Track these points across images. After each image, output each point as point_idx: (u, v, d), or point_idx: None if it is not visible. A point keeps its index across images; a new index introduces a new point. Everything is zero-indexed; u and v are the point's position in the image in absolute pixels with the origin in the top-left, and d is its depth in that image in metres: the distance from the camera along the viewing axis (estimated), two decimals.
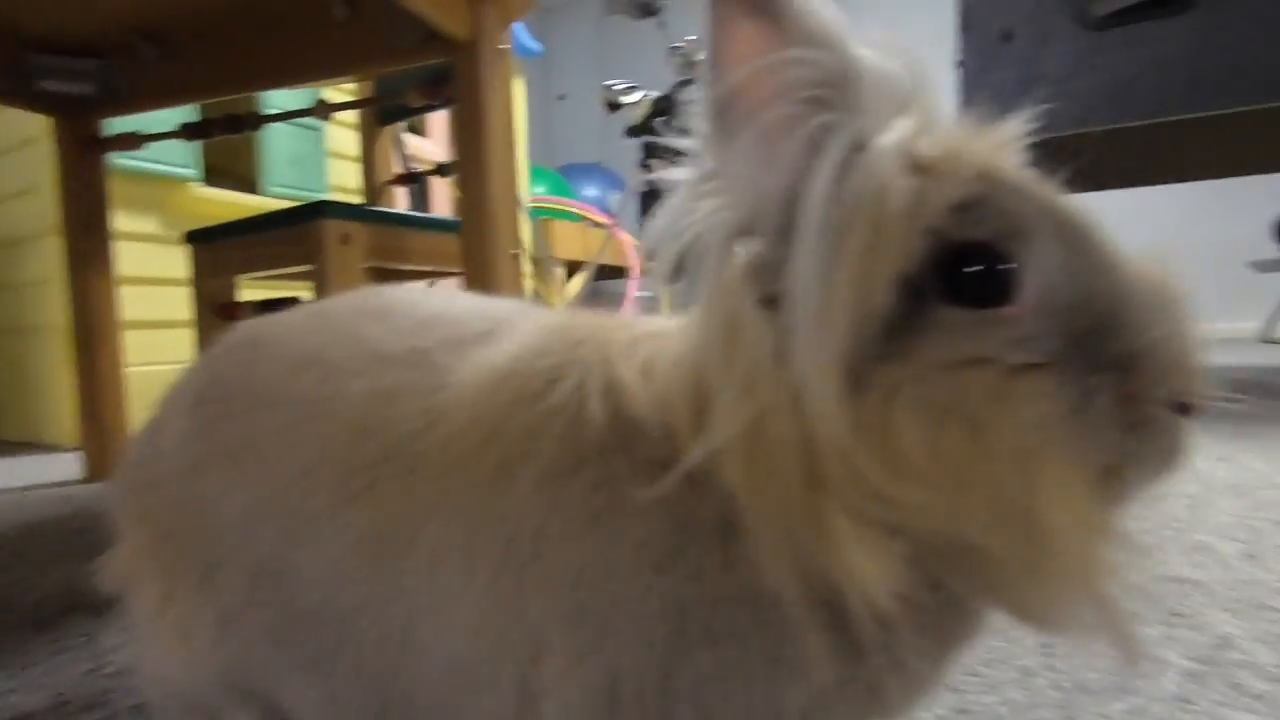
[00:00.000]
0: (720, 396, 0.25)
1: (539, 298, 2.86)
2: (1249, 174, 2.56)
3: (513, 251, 1.37)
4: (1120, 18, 1.68)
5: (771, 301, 0.25)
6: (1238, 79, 1.61)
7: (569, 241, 3.23)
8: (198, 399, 0.39)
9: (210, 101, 1.40)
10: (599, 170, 4.29)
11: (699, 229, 0.27)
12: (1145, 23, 1.66)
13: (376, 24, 1.09)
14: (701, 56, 0.26)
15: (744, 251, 0.26)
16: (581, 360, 0.30)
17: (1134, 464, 0.25)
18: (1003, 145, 0.27)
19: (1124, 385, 0.24)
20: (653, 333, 0.31)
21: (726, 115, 0.26)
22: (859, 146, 0.25)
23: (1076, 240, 0.26)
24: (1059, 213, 0.26)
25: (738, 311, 0.25)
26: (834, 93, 0.25)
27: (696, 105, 0.27)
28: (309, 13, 1.12)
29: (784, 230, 0.25)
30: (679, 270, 0.27)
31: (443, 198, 2.48)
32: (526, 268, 2.73)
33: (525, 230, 2.64)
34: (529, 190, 3.17)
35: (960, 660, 0.29)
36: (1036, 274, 0.25)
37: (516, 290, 1.32)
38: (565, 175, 3.93)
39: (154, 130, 1.39)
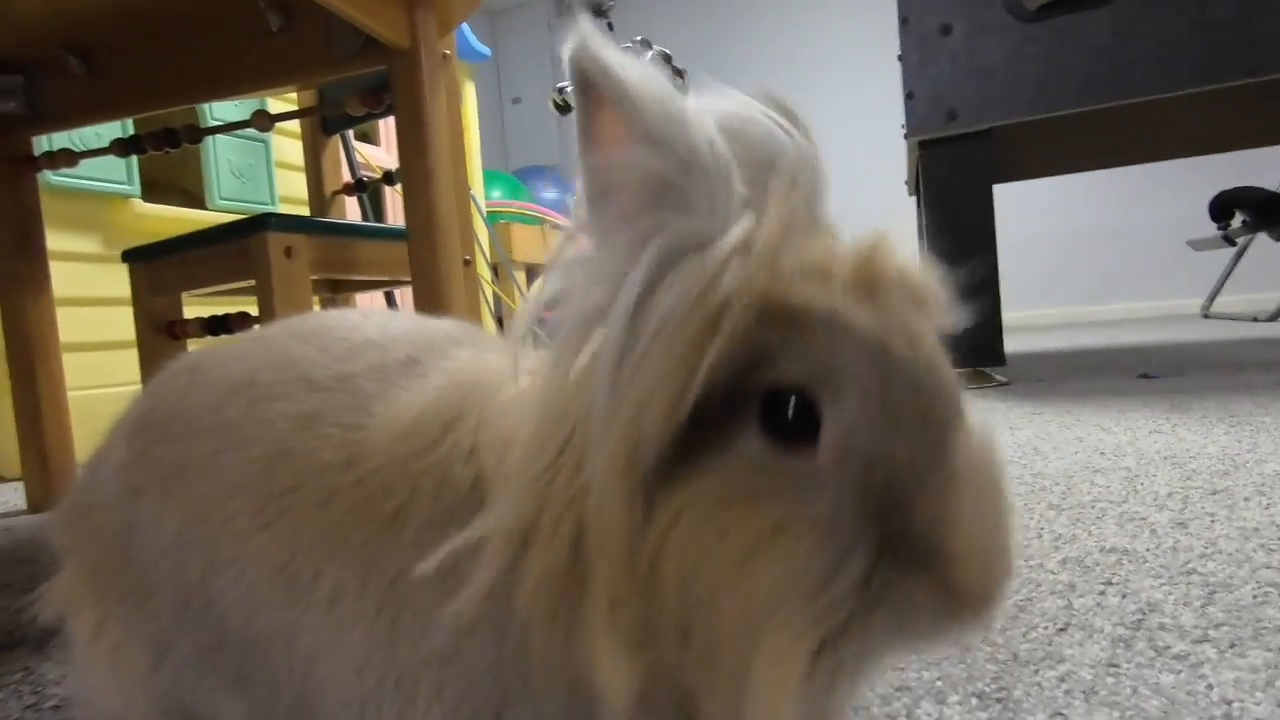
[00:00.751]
0: (517, 478, 0.25)
1: (500, 302, 2.85)
2: (1185, 156, 2.66)
3: (465, 258, 1.36)
4: (1051, 10, 1.74)
5: None
6: (1159, 66, 1.67)
7: (528, 245, 3.22)
8: (136, 426, 0.39)
9: (150, 115, 1.37)
10: (556, 172, 4.28)
11: (563, 307, 0.26)
12: (1073, 14, 1.72)
13: (312, 32, 1.08)
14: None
15: (598, 338, 0.24)
16: (466, 414, 0.31)
17: (861, 639, 0.23)
18: (860, 261, 0.24)
19: (885, 559, 0.23)
20: None
21: (599, 185, 0.25)
22: (679, 253, 0.24)
23: (893, 396, 0.23)
24: (883, 362, 0.23)
25: (566, 402, 0.25)
26: (667, 192, 0.24)
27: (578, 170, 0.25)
28: (243, 23, 1.10)
29: None
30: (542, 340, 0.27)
31: (399, 206, 2.45)
32: (485, 273, 2.72)
33: (482, 235, 2.62)
34: (484, 194, 3.15)
35: None
36: (838, 424, 0.23)
37: (470, 297, 1.31)
38: (522, 178, 3.91)
39: (90, 146, 1.35)
